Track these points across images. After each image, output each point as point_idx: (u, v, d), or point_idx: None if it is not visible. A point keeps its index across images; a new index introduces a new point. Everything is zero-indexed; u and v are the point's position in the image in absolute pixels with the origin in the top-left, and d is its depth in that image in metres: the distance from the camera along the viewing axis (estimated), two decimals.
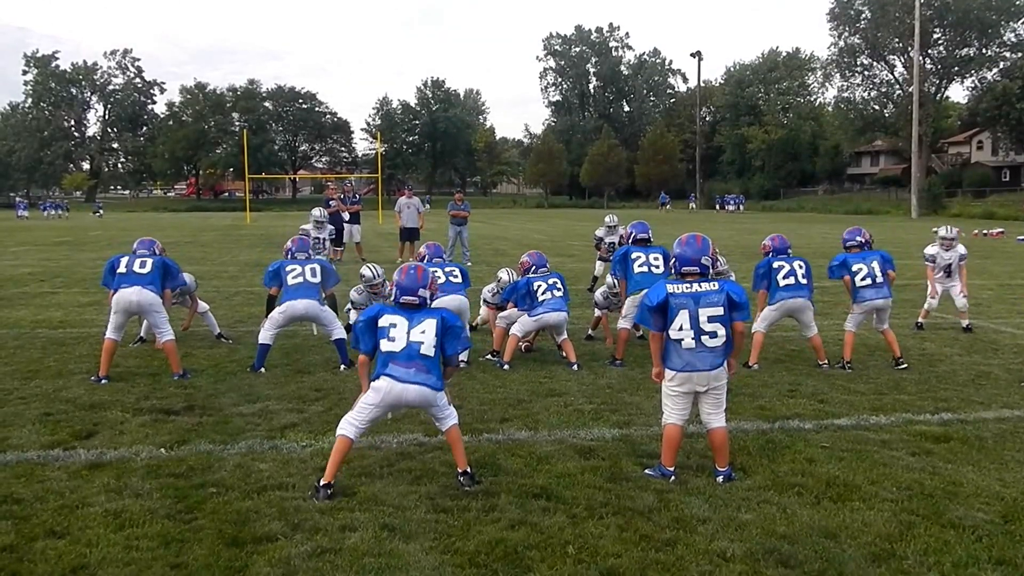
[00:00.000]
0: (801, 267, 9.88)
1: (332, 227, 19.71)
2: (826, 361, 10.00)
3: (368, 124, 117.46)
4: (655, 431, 7.12)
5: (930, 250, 12.94)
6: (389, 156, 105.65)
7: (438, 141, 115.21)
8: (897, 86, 77.57)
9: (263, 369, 9.53)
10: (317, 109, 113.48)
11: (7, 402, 8.12)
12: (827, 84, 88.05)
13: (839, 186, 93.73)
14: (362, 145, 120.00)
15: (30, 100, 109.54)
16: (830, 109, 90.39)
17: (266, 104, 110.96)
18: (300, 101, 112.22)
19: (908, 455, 6.62)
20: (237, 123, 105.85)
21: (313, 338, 11.02)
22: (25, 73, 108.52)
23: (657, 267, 9.95)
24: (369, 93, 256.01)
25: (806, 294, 9.85)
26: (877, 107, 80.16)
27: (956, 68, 73.24)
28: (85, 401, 8.13)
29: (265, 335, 9.62)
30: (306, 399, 8.31)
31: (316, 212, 16.83)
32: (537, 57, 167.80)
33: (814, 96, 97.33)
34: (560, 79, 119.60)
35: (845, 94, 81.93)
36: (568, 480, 6.01)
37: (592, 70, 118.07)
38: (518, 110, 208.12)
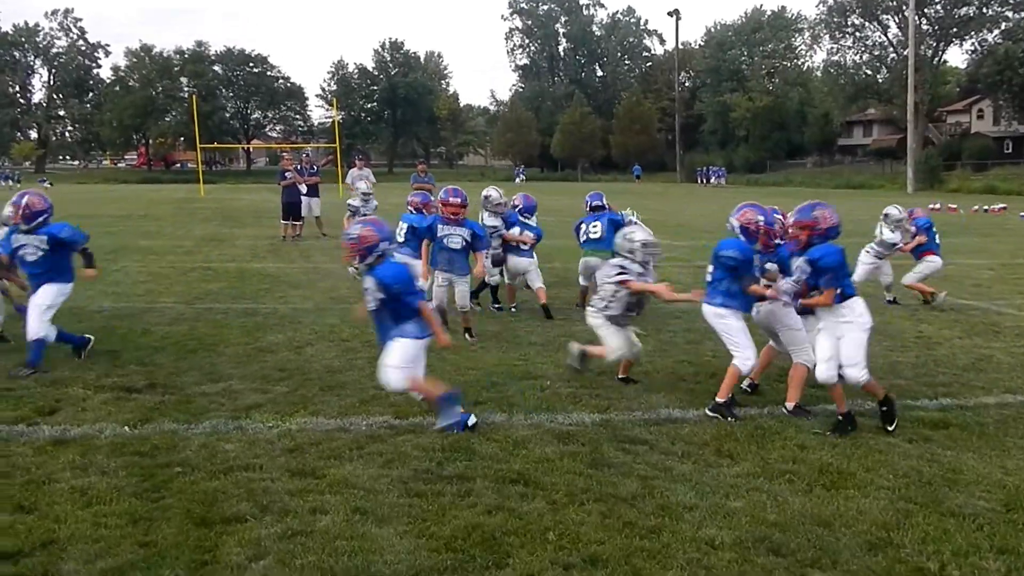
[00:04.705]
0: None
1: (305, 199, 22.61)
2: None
3: (323, 90, 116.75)
4: (637, 416, 7.43)
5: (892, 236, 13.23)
6: (347, 125, 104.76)
7: (398, 108, 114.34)
8: (891, 49, 77.99)
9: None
10: (269, 73, 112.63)
11: None
12: (815, 46, 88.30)
13: (829, 158, 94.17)
14: (318, 113, 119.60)
15: None
16: (819, 74, 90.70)
17: (215, 68, 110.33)
18: (251, 64, 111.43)
19: (905, 442, 6.81)
20: (186, 88, 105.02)
21: (273, 317, 11.37)
22: None
23: (595, 233, 12.18)
24: (323, 56, 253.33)
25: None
26: (869, 72, 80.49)
27: (955, 29, 73.33)
28: (46, 377, 8.36)
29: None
30: (270, 379, 8.52)
31: (361, 185, 17.72)
32: (502, 16, 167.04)
33: (801, 60, 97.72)
34: (527, 40, 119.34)
35: (835, 57, 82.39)
36: (547, 465, 6.17)
37: (562, 31, 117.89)
38: (483, 75, 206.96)
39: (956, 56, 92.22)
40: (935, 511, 5.43)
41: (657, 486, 5.81)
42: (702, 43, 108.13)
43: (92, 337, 9.33)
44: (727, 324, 7.56)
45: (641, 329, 11.04)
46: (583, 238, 12.39)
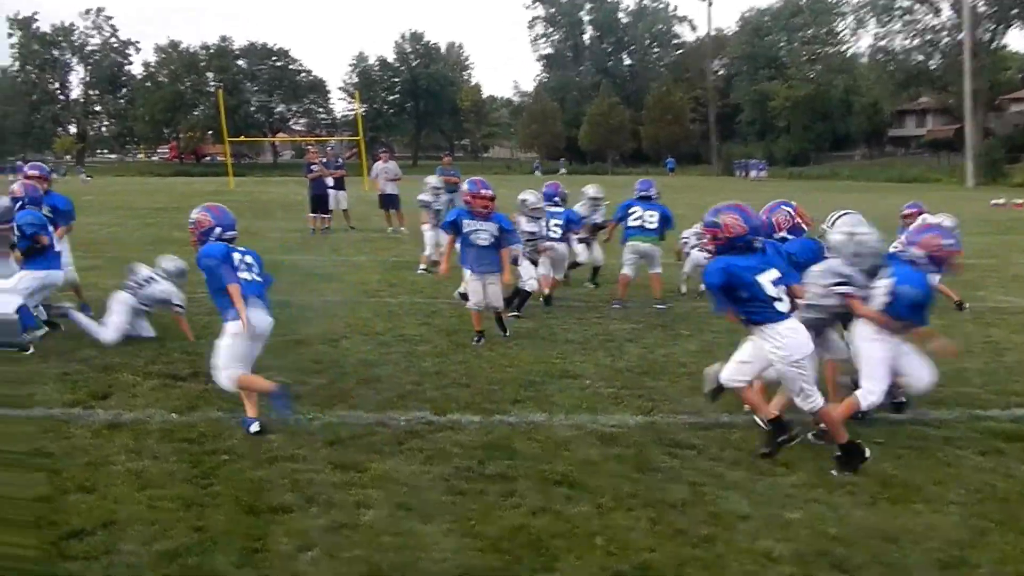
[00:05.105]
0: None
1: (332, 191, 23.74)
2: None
3: (345, 83, 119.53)
4: (683, 419, 7.41)
5: None
6: (369, 117, 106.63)
7: (421, 100, 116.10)
8: (945, 33, 76.06)
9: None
10: (291, 67, 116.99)
11: (27, 359, 9.32)
12: (860, 31, 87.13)
13: (879, 150, 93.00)
14: (340, 106, 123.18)
15: (17, 64, 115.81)
16: (865, 61, 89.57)
17: (239, 62, 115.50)
18: (273, 58, 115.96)
19: (976, 454, 6.68)
20: (212, 83, 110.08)
21: (307, 310, 11.87)
22: (10, 36, 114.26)
23: (651, 223, 12.47)
24: (343, 49, 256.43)
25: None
26: (921, 58, 78.82)
27: (1015, 11, 70.75)
28: (98, 363, 9.14)
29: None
30: (307, 371, 8.98)
31: (431, 179, 17.15)
32: (524, 5, 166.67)
33: (845, 46, 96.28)
34: (551, 29, 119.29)
35: (882, 43, 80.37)
36: (591, 468, 6.24)
37: (586, 18, 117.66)
38: (507, 63, 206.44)
39: (1018, 40, 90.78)
40: (1013, 529, 5.34)
41: (708, 493, 5.80)
42: (736, 29, 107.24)
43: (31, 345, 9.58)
44: (870, 348, 6.73)
45: (684, 330, 11.04)
46: (636, 223, 12.57)
